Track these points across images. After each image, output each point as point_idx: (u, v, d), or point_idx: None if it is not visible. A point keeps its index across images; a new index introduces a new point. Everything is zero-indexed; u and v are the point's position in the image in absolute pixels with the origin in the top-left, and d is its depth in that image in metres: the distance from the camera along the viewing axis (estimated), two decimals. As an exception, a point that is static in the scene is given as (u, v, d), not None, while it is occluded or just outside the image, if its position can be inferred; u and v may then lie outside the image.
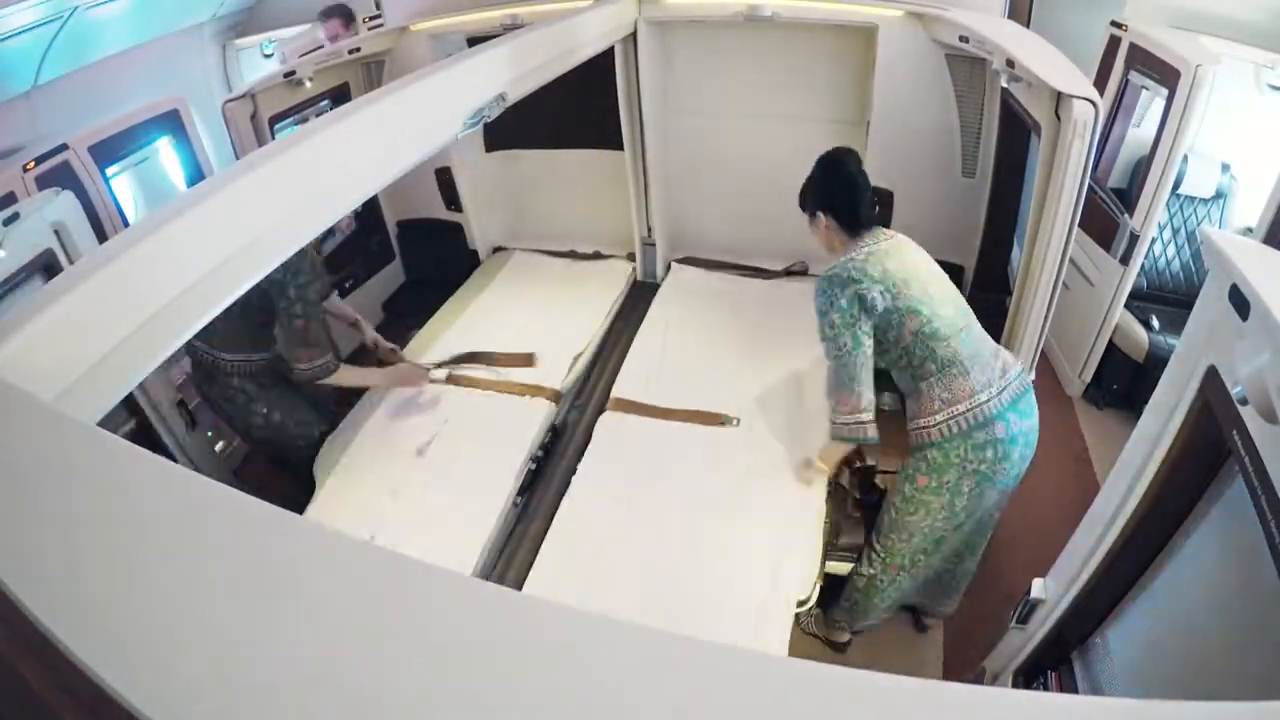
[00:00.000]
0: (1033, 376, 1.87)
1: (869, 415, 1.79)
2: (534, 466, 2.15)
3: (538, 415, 2.27)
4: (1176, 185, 2.93)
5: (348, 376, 2.16)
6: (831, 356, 1.77)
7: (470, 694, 0.40)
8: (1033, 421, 1.75)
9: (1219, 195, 3.02)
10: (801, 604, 1.71)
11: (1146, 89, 2.86)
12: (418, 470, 2.09)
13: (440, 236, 3.41)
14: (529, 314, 2.82)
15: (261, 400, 2.18)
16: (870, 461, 2.04)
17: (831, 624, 2.17)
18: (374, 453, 2.16)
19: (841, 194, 1.78)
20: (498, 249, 3.37)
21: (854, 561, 2.04)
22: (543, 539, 1.89)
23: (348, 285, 3.25)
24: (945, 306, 1.70)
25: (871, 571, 1.96)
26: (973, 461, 1.70)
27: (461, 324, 2.78)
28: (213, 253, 0.93)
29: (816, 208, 1.82)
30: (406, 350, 2.62)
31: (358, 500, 2.02)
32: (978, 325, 1.77)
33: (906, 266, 1.70)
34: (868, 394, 1.78)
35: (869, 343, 1.73)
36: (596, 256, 3.26)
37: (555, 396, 2.37)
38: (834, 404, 1.83)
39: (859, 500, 2.07)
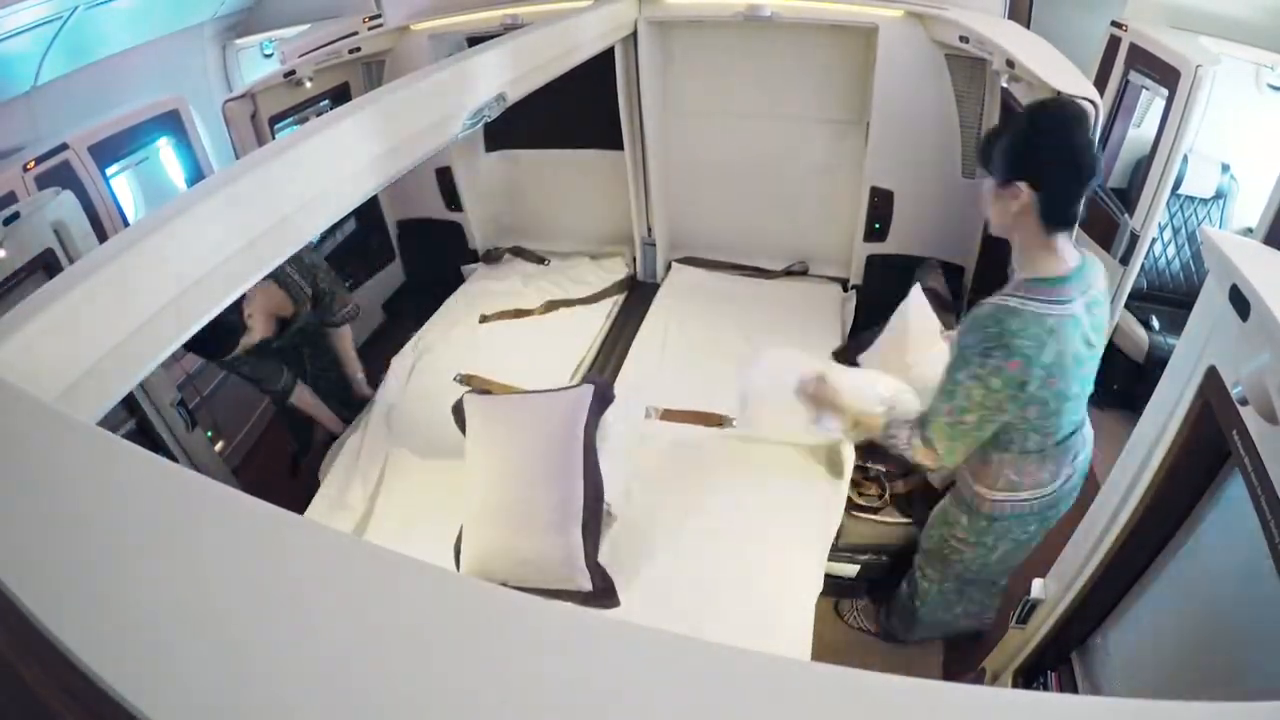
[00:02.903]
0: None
1: (917, 460, 1.51)
2: None
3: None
4: (1176, 185, 2.93)
5: (302, 401, 2.27)
6: (943, 402, 1.38)
7: (470, 694, 0.40)
8: (1070, 502, 1.57)
9: (1219, 195, 3.02)
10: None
11: (1146, 89, 2.86)
12: (422, 473, 2.09)
13: (440, 236, 3.42)
14: (530, 319, 2.81)
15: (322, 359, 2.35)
16: (879, 467, 2.04)
17: (882, 627, 2.12)
18: (378, 453, 2.16)
19: (1066, 166, 1.26)
20: (497, 249, 3.37)
21: (857, 564, 2.04)
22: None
23: (348, 285, 3.24)
24: (1073, 401, 1.38)
25: (913, 588, 1.87)
26: (1016, 534, 1.56)
27: (463, 329, 2.78)
28: (213, 253, 0.93)
29: (1017, 174, 1.27)
30: (405, 352, 2.62)
31: (359, 501, 2.02)
32: (1083, 404, 1.46)
33: (1077, 349, 1.31)
34: (947, 462, 1.45)
35: (990, 430, 1.38)
36: (596, 256, 3.26)
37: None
38: (905, 428, 1.49)
39: (860, 505, 2.06)
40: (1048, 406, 1.35)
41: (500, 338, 2.70)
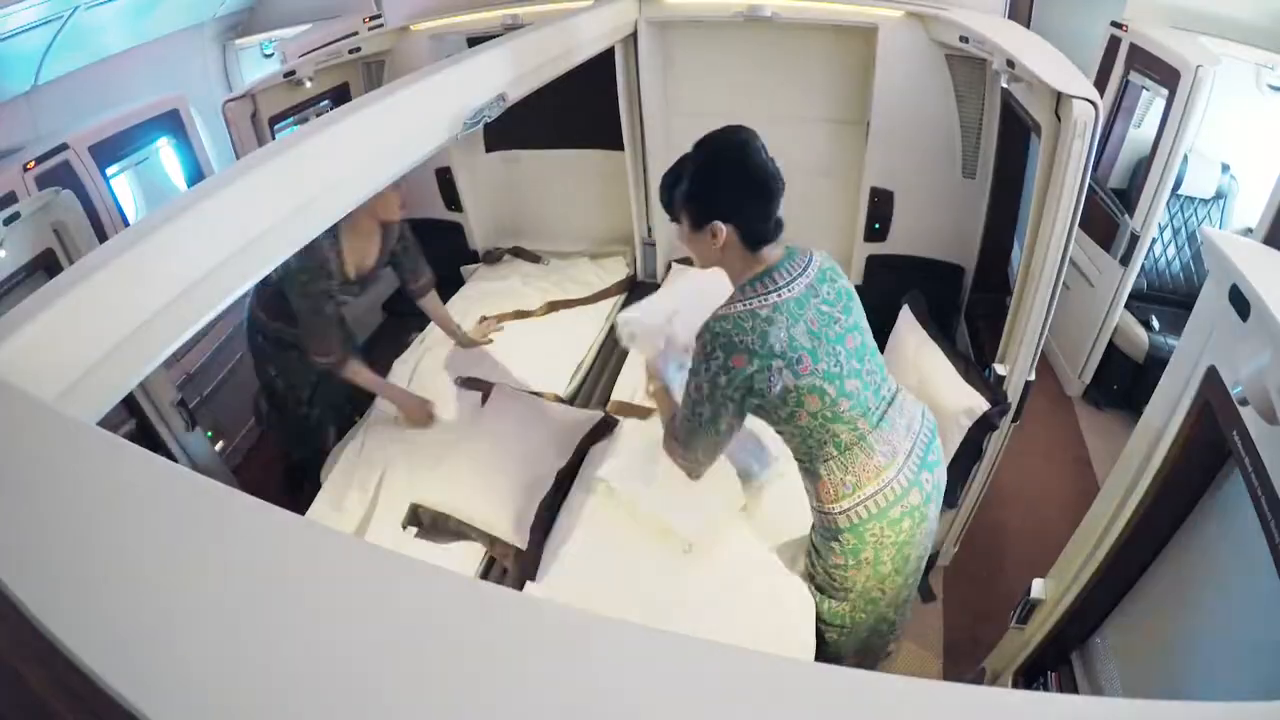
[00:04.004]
0: (1032, 377, 1.87)
1: (694, 469, 1.53)
2: None
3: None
4: (1177, 186, 2.93)
5: (359, 375, 2.17)
6: (685, 411, 1.41)
7: (471, 694, 0.40)
8: (942, 466, 1.54)
9: (1219, 195, 3.02)
10: None
11: (1146, 89, 2.86)
12: (423, 474, 2.08)
13: (440, 236, 3.41)
14: (530, 320, 2.81)
15: (274, 363, 2.26)
16: None
17: None
18: (379, 456, 2.16)
19: (754, 193, 1.31)
20: (497, 249, 3.37)
21: None
22: (543, 541, 1.89)
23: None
24: (853, 380, 1.37)
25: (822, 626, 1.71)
26: (890, 535, 1.45)
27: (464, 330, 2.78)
28: (213, 253, 0.93)
29: (711, 215, 1.32)
30: (406, 355, 2.62)
31: (358, 504, 2.02)
32: (880, 375, 1.47)
33: (819, 326, 1.33)
34: (702, 469, 1.51)
35: (738, 427, 1.41)
36: (596, 256, 3.25)
37: (557, 401, 2.37)
38: (667, 442, 1.53)
39: None
40: (826, 393, 1.33)
41: (501, 339, 2.70)
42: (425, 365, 2.57)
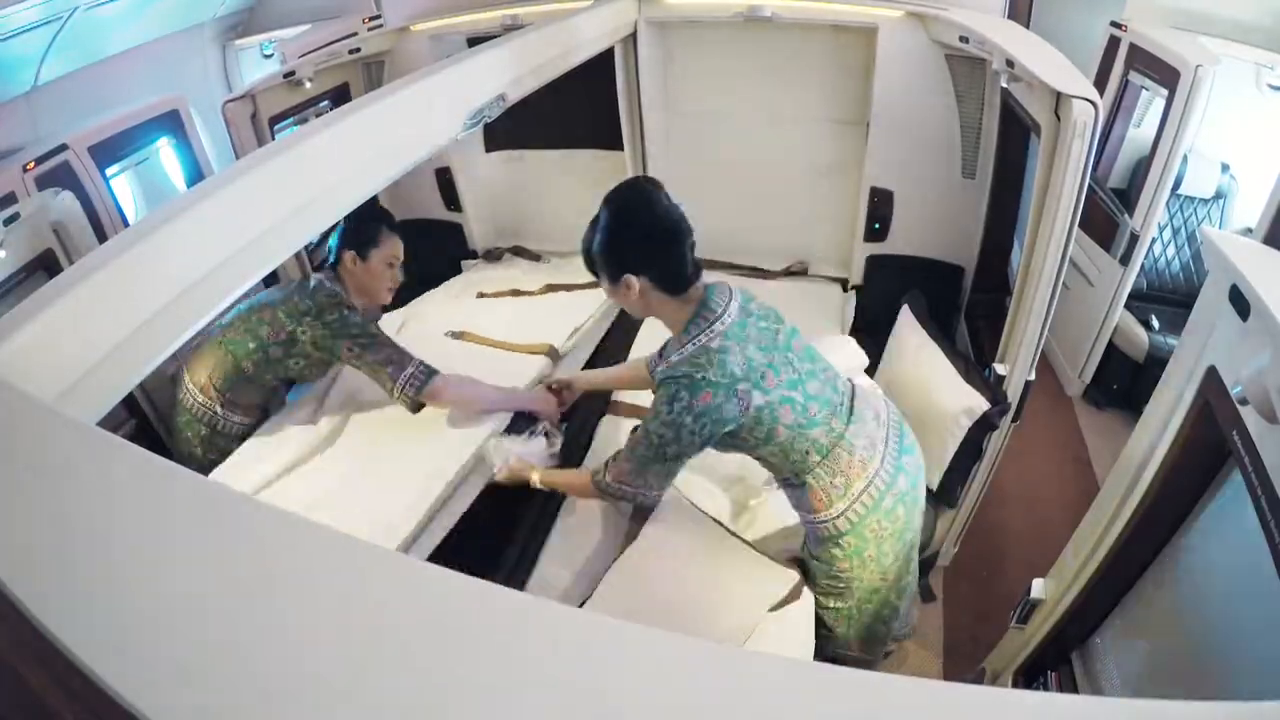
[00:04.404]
0: (1032, 376, 1.87)
1: (652, 496, 1.51)
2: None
3: (532, 368, 2.26)
4: (1176, 185, 2.93)
5: (460, 391, 1.90)
6: (645, 451, 1.40)
7: (470, 693, 0.41)
8: (917, 447, 1.56)
9: (1219, 195, 3.02)
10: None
11: (1146, 89, 2.86)
12: (404, 417, 1.98)
13: (440, 236, 3.41)
14: (529, 301, 2.81)
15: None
16: None
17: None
18: (360, 404, 2.08)
19: (659, 241, 1.35)
20: (497, 249, 3.36)
21: None
22: (544, 542, 1.89)
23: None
24: (813, 381, 1.40)
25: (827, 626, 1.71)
26: (888, 526, 1.47)
27: (458, 301, 2.77)
28: (213, 253, 0.93)
29: (622, 268, 1.35)
30: (395, 314, 2.60)
31: (344, 450, 1.95)
32: (832, 370, 1.49)
33: (765, 341, 1.37)
34: (656, 496, 1.51)
35: (686, 457, 1.41)
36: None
37: (551, 351, 2.35)
38: (612, 470, 1.49)
39: None
40: (795, 401, 1.36)
41: (496, 307, 2.70)
42: (412, 324, 2.57)
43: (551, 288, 2.88)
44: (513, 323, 2.56)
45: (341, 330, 1.80)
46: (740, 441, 1.40)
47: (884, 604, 1.64)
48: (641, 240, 1.36)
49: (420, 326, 2.58)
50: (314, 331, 1.80)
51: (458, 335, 2.46)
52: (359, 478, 1.82)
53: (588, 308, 2.70)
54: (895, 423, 1.54)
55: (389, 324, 2.50)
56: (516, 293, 2.84)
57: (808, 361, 1.43)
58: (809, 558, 1.61)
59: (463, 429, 1.92)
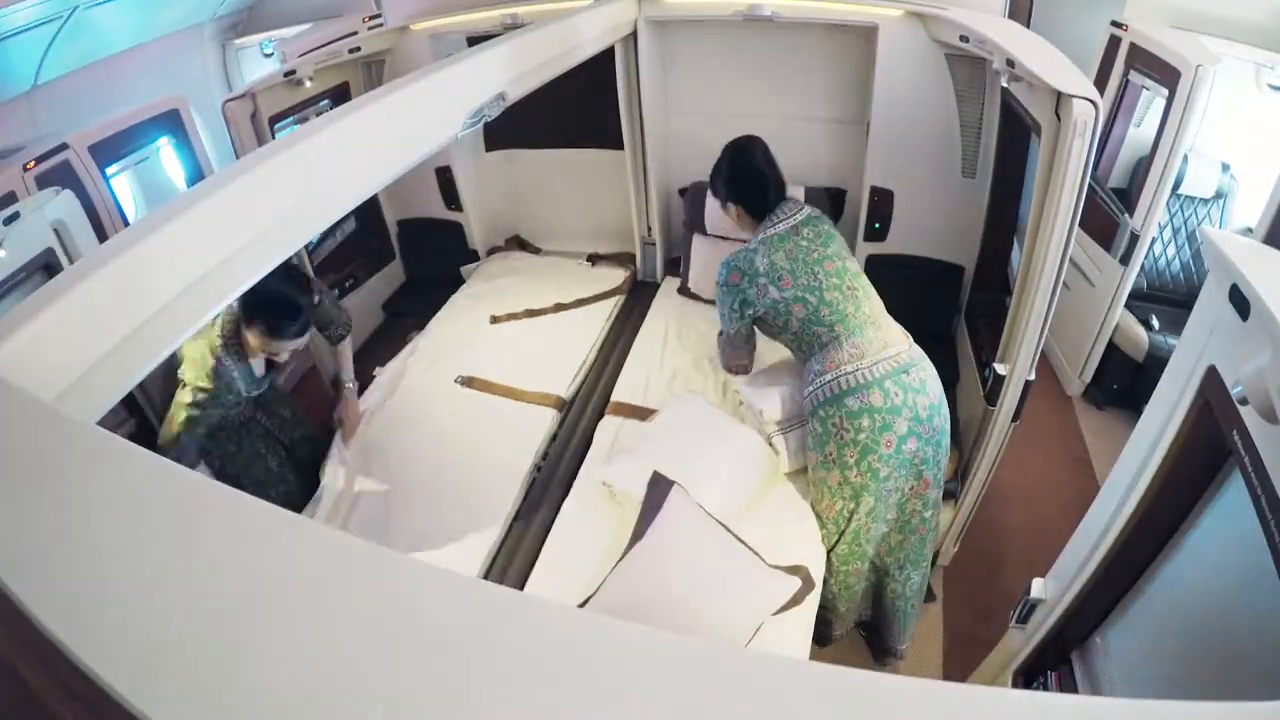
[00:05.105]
0: (1032, 376, 1.87)
1: (747, 369, 2.03)
2: (538, 473, 2.16)
3: (544, 422, 2.29)
4: (1177, 185, 2.93)
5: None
6: (721, 325, 1.94)
7: (471, 694, 0.40)
8: (926, 398, 1.75)
9: (1219, 195, 3.02)
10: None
11: (1147, 89, 2.86)
12: (424, 474, 2.09)
13: (440, 236, 3.42)
14: (531, 319, 2.82)
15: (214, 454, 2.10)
16: None
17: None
18: (379, 455, 2.16)
19: (750, 186, 1.88)
20: (496, 249, 3.37)
21: None
22: (544, 541, 1.89)
23: (348, 285, 3.25)
24: (833, 292, 1.77)
25: (830, 575, 1.91)
26: (850, 430, 1.73)
27: (464, 329, 2.78)
28: (213, 252, 0.93)
29: (728, 198, 1.92)
30: (408, 353, 2.62)
31: (363, 502, 2.02)
32: (870, 304, 1.83)
33: (797, 254, 1.78)
34: (748, 363, 2.01)
35: (747, 330, 1.91)
36: (595, 259, 3.25)
37: (560, 404, 2.38)
38: (723, 355, 2.03)
39: None
40: (809, 302, 1.77)
41: (501, 339, 2.71)
42: (424, 364, 2.57)
43: (561, 306, 2.88)
44: (524, 357, 2.57)
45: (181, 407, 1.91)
46: (767, 325, 1.86)
47: (864, 560, 1.90)
48: (738, 182, 1.90)
49: (429, 367, 2.57)
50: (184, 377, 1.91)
51: (467, 381, 2.46)
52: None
53: (590, 334, 2.71)
54: (904, 360, 1.76)
55: (399, 365, 2.54)
56: (530, 313, 2.83)
57: (835, 278, 1.79)
58: (810, 419, 1.86)
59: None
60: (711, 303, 2.48)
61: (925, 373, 1.79)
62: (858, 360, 1.73)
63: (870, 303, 1.83)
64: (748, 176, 1.88)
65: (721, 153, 1.93)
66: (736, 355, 1.99)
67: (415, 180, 3.17)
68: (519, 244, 3.34)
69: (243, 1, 4.35)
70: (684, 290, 2.92)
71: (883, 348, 1.75)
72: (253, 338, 1.90)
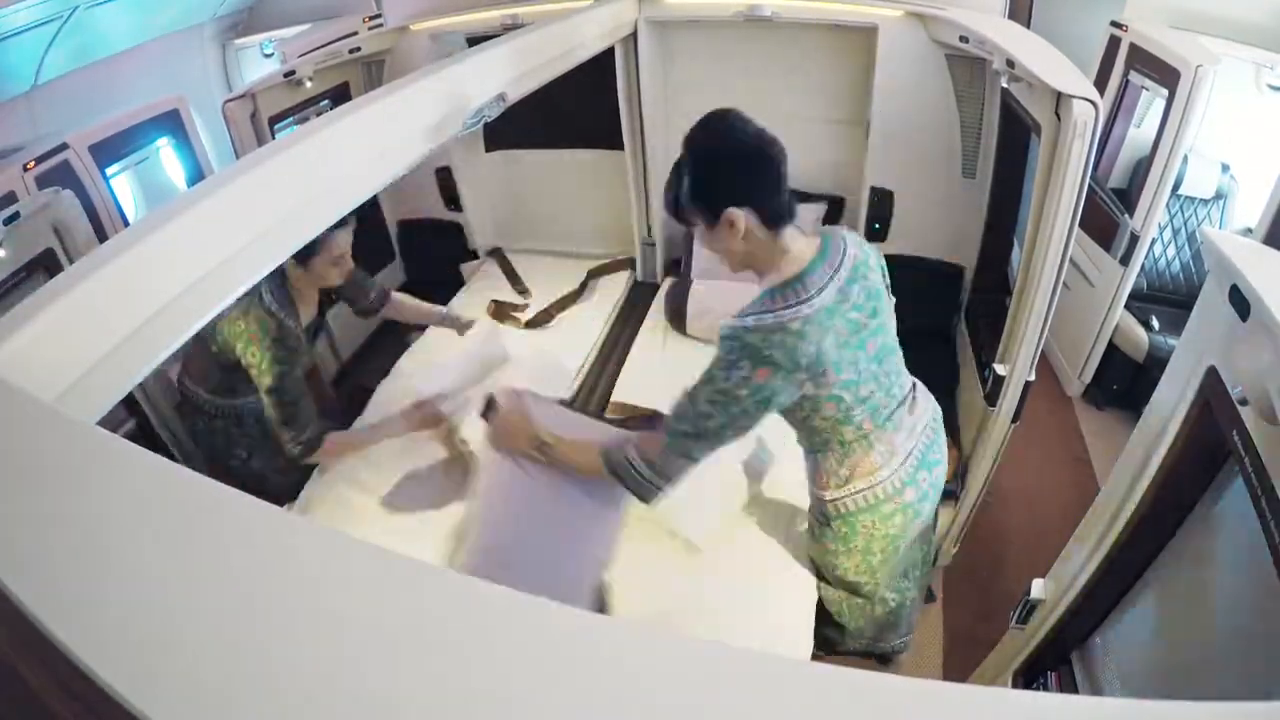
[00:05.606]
0: (1032, 377, 1.87)
1: (662, 490, 1.37)
2: None
3: None
4: (1176, 186, 2.93)
5: (344, 442, 2.00)
6: (686, 424, 1.30)
7: (471, 694, 0.40)
8: (942, 464, 1.56)
9: (1219, 196, 3.02)
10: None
11: (1147, 89, 2.86)
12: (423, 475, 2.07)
13: (440, 236, 3.41)
14: (529, 324, 2.81)
15: (242, 444, 2.09)
16: None
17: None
18: (375, 458, 2.14)
19: (754, 165, 1.24)
20: (496, 249, 3.36)
21: None
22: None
23: (348, 285, 3.24)
24: (869, 384, 1.35)
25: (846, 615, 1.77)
26: (881, 528, 1.48)
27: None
28: (213, 253, 0.93)
29: (720, 202, 1.24)
30: (409, 354, 2.62)
31: (358, 504, 2.01)
32: (904, 379, 1.48)
33: (845, 332, 1.29)
34: (669, 489, 1.37)
35: (730, 442, 1.33)
36: (596, 258, 3.24)
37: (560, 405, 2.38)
38: (640, 444, 1.36)
39: None
40: (844, 401, 1.32)
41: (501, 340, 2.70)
42: (423, 366, 2.56)
43: (561, 304, 2.85)
44: (524, 358, 2.53)
45: (267, 369, 1.79)
46: (778, 411, 1.35)
47: (867, 600, 1.68)
48: (736, 166, 1.24)
49: (429, 367, 2.54)
50: (248, 359, 1.81)
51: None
52: None
53: (588, 338, 2.71)
54: (929, 435, 1.51)
55: (397, 381, 2.50)
56: (515, 319, 2.82)
57: (874, 364, 1.36)
58: (809, 527, 1.64)
59: None
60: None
61: (942, 434, 1.56)
62: (891, 462, 1.44)
63: (903, 378, 1.49)
64: (752, 149, 1.24)
65: (685, 148, 1.28)
66: (672, 477, 1.35)
67: (415, 180, 3.16)
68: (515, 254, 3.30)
69: (243, 2, 4.35)
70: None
71: (910, 432, 1.47)
72: (320, 264, 1.84)
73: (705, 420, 1.28)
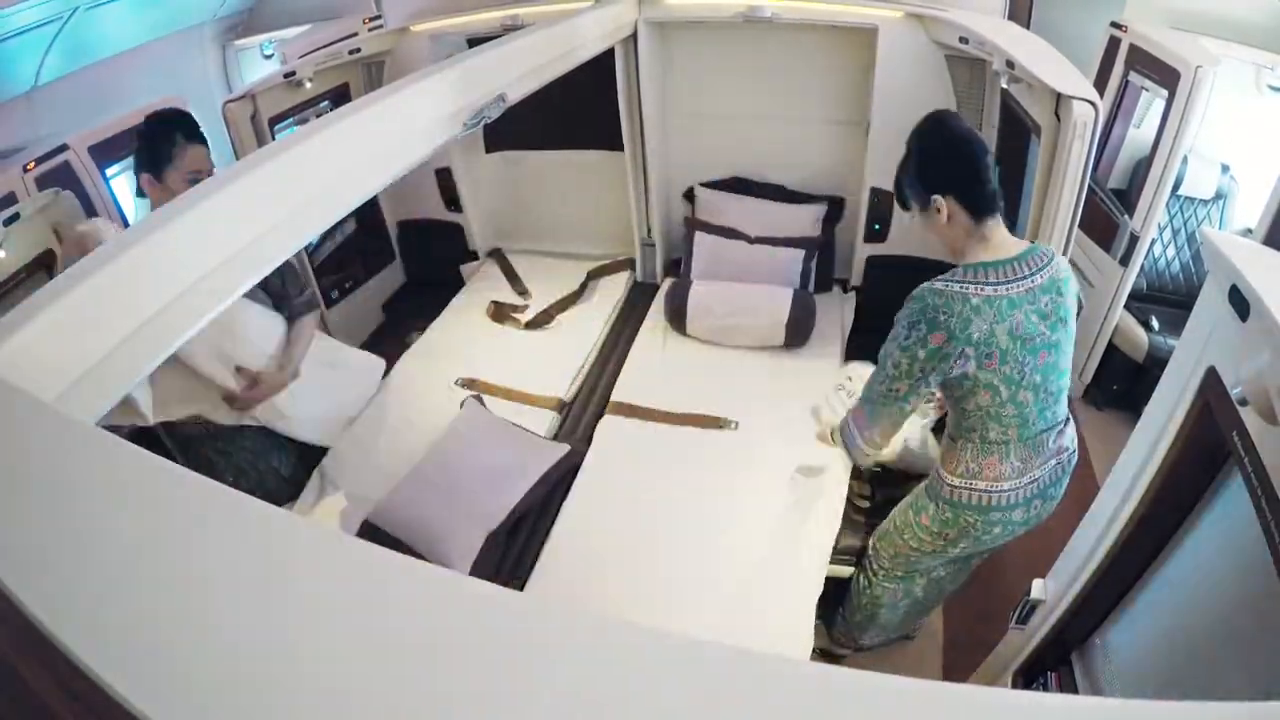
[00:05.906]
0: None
1: (870, 450, 1.60)
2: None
3: (544, 422, 2.30)
4: (1176, 186, 2.93)
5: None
6: (880, 389, 1.48)
7: (471, 695, 0.40)
8: (1056, 501, 1.60)
9: (1219, 196, 3.02)
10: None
11: (1146, 90, 2.86)
12: (423, 475, 2.08)
13: (440, 237, 3.41)
14: (530, 324, 2.81)
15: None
16: (878, 466, 2.04)
17: (833, 638, 2.09)
18: (378, 456, 2.15)
19: (963, 163, 1.39)
20: (496, 250, 3.36)
21: (852, 566, 2.02)
22: (544, 540, 1.89)
23: (348, 286, 3.24)
24: (1028, 391, 1.41)
25: (866, 582, 1.87)
26: (978, 530, 1.56)
27: (464, 331, 2.77)
28: (212, 253, 0.93)
29: (931, 190, 1.40)
30: (409, 354, 2.62)
31: (359, 504, 2.01)
32: (1056, 397, 1.50)
33: (1022, 332, 1.37)
34: (881, 438, 1.56)
35: (918, 403, 1.48)
36: (595, 259, 3.24)
37: (560, 405, 2.38)
38: (850, 416, 1.62)
39: (858, 505, 2.06)
40: (999, 394, 1.40)
41: (501, 340, 2.70)
42: (424, 366, 2.57)
43: (561, 305, 2.86)
44: (524, 358, 2.58)
45: None
46: (940, 388, 1.48)
47: (917, 573, 1.78)
48: (945, 156, 1.41)
49: (431, 362, 2.57)
50: None
51: (467, 383, 2.45)
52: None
53: (588, 338, 2.71)
54: (1060, 471, 1.56)
55: (405, 367, 2.53)
56: (517, 320, 2.82)
57: (1038, 375, 1.42)
58: (915, 499, 1.69)
59: None
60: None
61: (1070, 462, 1.57)
62: (1017, 478, 1.49)
63: (1060, 407, 1.52)
64: (958, 150, 1.39)
65: (910, 139, 1.45)
66: (878, 439, 1.56)
67: (415, 181, 3.16)
68: (514, 255, 3.30)
69: (243, 2, 4.36)
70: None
71: (1044, 461, 1.51)
72: (175, 180, 1.69)
73: (894, 387, 1.44)
